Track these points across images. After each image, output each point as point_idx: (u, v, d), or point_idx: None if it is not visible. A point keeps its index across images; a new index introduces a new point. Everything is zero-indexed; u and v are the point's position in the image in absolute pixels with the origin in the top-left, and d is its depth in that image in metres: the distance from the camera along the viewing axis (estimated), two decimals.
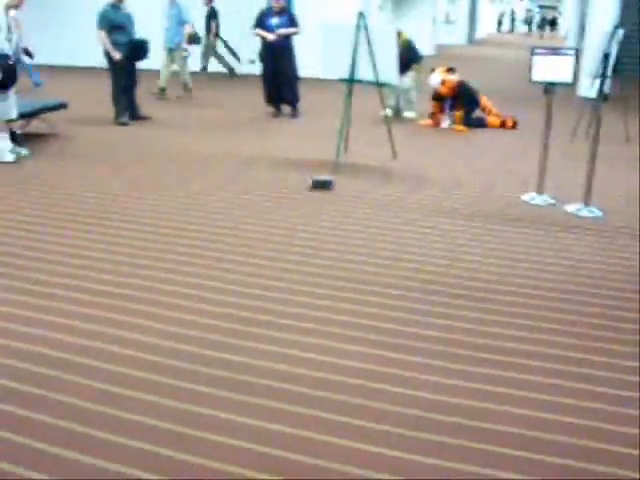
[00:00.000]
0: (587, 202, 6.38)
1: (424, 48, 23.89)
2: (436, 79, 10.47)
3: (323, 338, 3.74)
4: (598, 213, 6.31)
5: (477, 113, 10.61)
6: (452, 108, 10.49)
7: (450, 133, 10.12)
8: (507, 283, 4.60)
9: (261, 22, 10.78)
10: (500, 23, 49.96)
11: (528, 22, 43.80)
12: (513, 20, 53.91)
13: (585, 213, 6.31)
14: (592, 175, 6.39)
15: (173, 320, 3.91)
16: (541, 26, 37.21)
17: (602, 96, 6.58)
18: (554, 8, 63.66)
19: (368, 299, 4.26)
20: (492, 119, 10.56)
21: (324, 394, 3.21)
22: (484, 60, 24.24)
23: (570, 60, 6.43)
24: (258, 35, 10.82)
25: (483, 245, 5.35)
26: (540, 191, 6.67)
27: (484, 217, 6.07)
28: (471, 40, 34.82)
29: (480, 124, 10.46)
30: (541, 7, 74.84)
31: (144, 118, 10.37)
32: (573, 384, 3.35)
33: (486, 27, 43.99)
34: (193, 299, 4.19)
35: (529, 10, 53.42)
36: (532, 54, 6.48)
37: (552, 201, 6.60)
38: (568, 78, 6.45)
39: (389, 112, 9.92)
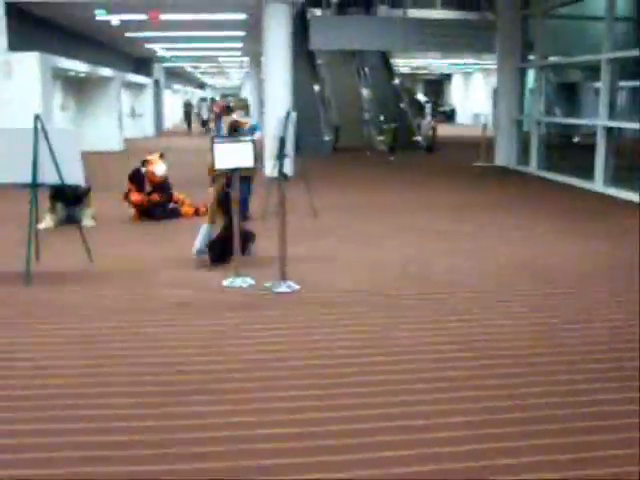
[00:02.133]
0: (284, 278, 6.68)
1: (112, 143, 23.88)
2: (162, 168, 10.53)
3: None
4: (295, 287, 6.62)
5: (171, 205, 10.71)
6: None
7: (144, 226, 10.10)
8: (223, 375, 4.64)
9: None
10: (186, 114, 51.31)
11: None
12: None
13: (283, 289, 6.59)
14: (285, 250, 6.72)
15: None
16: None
17: (283, 175, 7.01)
18: (235, 96, 67.21)
19: None
20: (186, 209, 10.73)
21: None
22: (170, 150, 24.59)
23: (249, 146, 6.78)
24: None
25: (189, 336, 5.35)
26: (237, 273, 6.86)
27: (190, 308, 6.09)
28: (159, 131, 35.39)
29: (175, 214, 10.56)
30: (224, 96, 78.59)
31: None
32: None
33: (173, 118, 45.01)
34: None
35: (213, 99, 55.37)
36: (213, 143, 6.73)
37: (252, 281, 6.81)
38: (250, 163, 6.78)
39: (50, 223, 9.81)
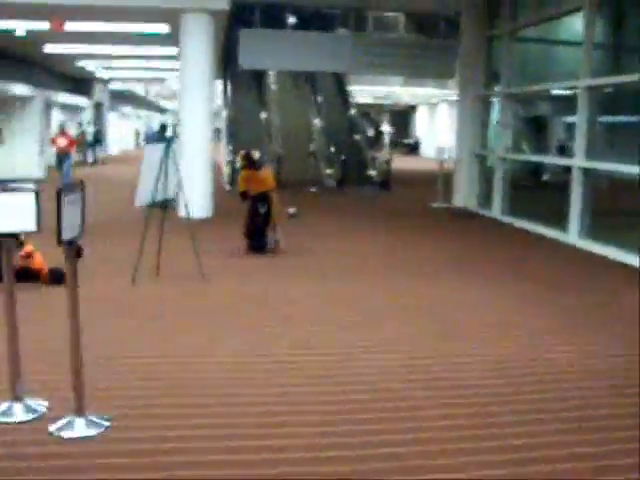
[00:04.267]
0: (81, 409, 4.13)
1: (31, 170, 21.11)
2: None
3: None
4: (104, 425, 4.09)
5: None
6: None
7: None
8: None
9: None
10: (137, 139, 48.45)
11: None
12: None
13: (80, 431, 4.05)
14: (78, 359, 4.17)
15: None
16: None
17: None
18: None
19: None
20: (37, 263, 7.87)
21: None
22: (95, 181, 21.88)
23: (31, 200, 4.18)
24: None
25: None
26: (18, 395, 4.27)
27: None
28: (95, 159, 32.38)
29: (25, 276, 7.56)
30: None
31: None
32: None
33: (122, 143, 41.98)
34: None
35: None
36: None
37: (43, 408, 4.26)
38: (32, 227, 4.16)
39: None
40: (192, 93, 13.13)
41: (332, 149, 22.21)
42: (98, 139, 30.21)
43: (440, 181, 16.69)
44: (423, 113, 48.67)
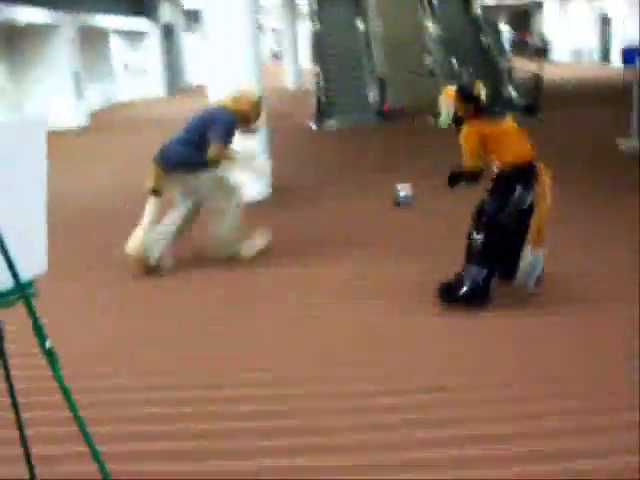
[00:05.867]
0: None
1: (65, 117, 16.25)
2: None
3: None
4: None
5: None
6: None
7: None
8: None
9: None
10: None
11: None
12: None
13: None
14: None
15: None
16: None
17: None
18: None
19: None
20: None
21: None
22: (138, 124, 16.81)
23: None
24: None
25: None
26: None
27: None
28: (173, 90, 27.49)
29: None
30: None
31: None
32: None
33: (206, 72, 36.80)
34: None
35: None
36: None
37: None
38: None
39: None
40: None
41: (453, 62, 16.30)
42: None
43: (637, 102, 10.59)
44: (551, 10, 41.10)
